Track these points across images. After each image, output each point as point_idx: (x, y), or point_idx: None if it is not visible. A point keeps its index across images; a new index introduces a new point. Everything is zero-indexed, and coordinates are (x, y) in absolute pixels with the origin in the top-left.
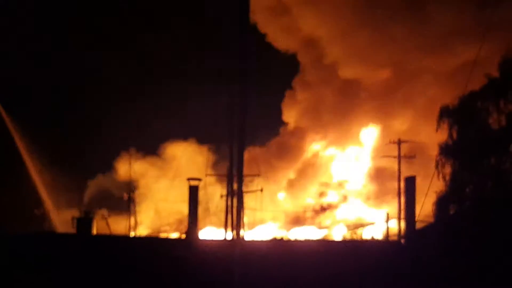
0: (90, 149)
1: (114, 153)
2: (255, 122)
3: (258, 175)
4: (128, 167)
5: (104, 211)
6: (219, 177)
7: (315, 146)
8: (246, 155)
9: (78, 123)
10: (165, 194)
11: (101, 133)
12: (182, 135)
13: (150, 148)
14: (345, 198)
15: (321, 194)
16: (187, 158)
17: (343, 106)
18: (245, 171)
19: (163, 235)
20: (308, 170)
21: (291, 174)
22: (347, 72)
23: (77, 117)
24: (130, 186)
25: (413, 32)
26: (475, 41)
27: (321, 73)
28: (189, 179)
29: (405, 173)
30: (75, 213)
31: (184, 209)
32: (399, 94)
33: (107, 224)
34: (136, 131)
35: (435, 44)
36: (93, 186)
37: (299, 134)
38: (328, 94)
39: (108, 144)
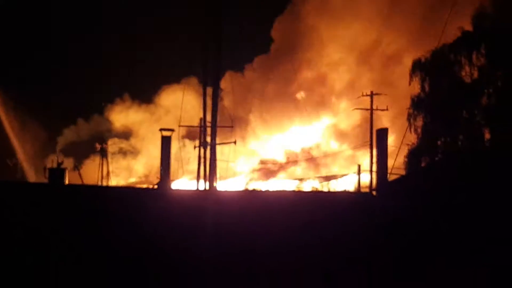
0: (66, 99)
1: (90, 101)
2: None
3: (232, 126)
4: (121, 115)
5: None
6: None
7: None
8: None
9: (52, 72)
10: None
11: (76, 83)
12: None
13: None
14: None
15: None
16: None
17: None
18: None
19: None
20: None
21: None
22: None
23: (51, 66)
24: (102, 136)
25: None
26: None
27: None
28: (161, 130)
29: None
30: (49, 163)
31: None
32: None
33: (79, 174)
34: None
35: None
36: (68, 134)
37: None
38: None
39: (87, 93)
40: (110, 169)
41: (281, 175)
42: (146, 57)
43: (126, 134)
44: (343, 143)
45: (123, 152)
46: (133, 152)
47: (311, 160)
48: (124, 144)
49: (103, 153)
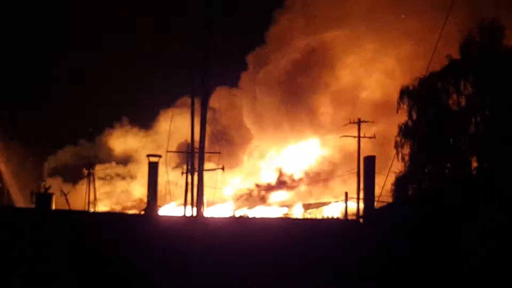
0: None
1: (75, 127)
2: None
3: (219, 153)
4: (119, 140)
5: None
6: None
7: None
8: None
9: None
10: None
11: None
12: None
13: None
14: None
15: (280, 174)
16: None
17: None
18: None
19: (130, 211)
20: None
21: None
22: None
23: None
24: (90, 161)
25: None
26: (437, 24)
27: None
28: (148, 156)
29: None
30: (35, 188)
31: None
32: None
33: (66, 199)
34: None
35: (396, 28)
36: (53, 160)
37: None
38: None
39: (69, 119)
40: (97, 194)
41: (270, 201)
42: (143, 79)
43: (125, 159)
44: (332, 170)
45: (116, 176)
46: (128, 177)
47: (300, 186)
48: (113, 169)
49: (90, 178)
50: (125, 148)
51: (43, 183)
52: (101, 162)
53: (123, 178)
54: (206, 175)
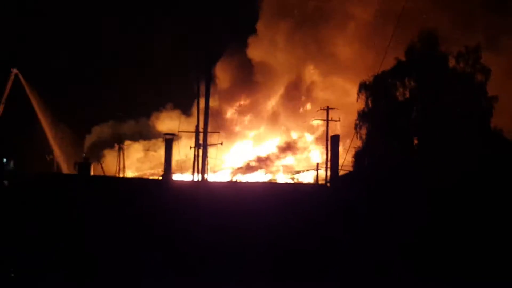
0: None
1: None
2: None
3: (219, 132)
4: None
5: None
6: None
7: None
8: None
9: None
10: None
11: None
12: None
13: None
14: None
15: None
16: None
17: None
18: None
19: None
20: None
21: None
22: None
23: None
24: (120, 138)
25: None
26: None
27: None
28: (165, 134)
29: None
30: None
31: None
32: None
33: (102, 167)
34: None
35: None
36: (94, 135)
37: None
38: None
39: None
40: (126, 163)
41: (259, 170)
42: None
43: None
44: (307, 146)
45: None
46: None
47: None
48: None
49: (120, 151)
50: (168, 128)
51: (84, 155)
52: (146, 138)
53: (154, 151)
54: (210, 149)
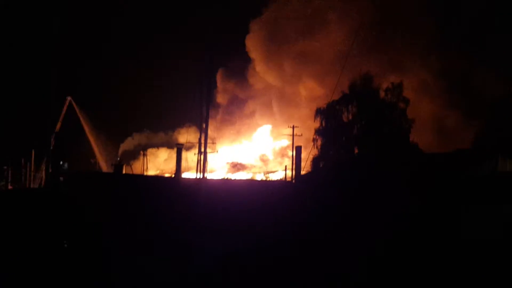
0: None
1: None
2: None
3: (214, 143)
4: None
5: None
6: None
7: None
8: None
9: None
10: None
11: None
12: None
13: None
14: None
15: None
16: None
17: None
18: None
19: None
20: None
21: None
22: None
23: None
24: (144, 148)
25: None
26: (339, 69)
27: None
28: (176, 144)
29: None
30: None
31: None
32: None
33: (131, 168)
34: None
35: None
36: (126, 144)
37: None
38: None
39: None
40: (148, 165)
41: (243, 171)
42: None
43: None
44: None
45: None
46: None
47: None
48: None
49: (144, 157)
50: (186, 140)
51: (118, 158)
52: (170, 147)
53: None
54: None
